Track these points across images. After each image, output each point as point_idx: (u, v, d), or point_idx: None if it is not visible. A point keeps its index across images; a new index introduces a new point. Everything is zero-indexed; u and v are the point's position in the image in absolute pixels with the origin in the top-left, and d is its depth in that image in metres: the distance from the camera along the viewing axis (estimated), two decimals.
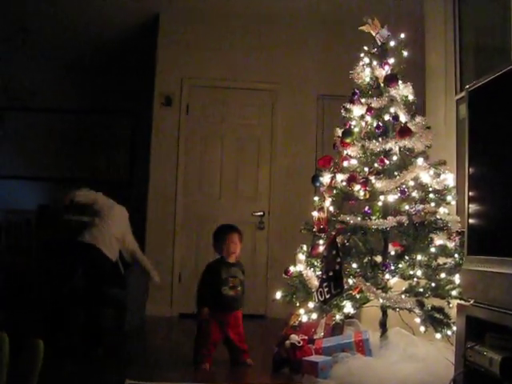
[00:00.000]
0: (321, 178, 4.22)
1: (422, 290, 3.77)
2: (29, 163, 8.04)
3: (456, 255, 3.85)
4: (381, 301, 3.79)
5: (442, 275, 3.81)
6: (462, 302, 2.98)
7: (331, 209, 4.11)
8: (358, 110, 4.22)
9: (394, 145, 4.01)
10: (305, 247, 4.24)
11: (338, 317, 3.91)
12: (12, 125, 8.13)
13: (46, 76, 8.11)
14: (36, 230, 6.79)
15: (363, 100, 4.22)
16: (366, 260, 3.96)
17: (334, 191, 4.12)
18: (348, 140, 4.13)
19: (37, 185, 7.94)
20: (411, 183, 3.96)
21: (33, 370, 2.39)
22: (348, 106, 4.28)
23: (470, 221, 2.95)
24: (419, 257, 3.83)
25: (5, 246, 6.55)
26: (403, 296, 3.75)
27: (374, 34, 4.32)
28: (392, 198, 3.93)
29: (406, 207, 3.90)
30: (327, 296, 3.65)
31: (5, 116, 8.16)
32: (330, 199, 4.13)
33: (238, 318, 4.21)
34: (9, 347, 2.36)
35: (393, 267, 3.83)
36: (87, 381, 3.56)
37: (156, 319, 6.01)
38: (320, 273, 3.89)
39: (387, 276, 3.82)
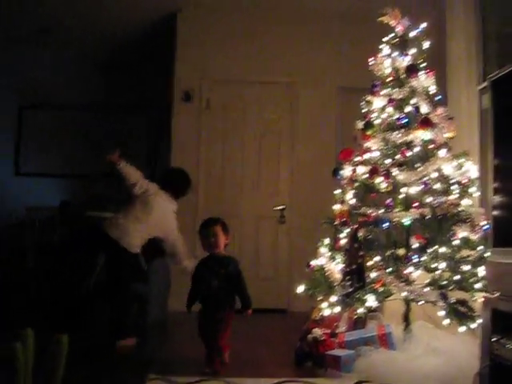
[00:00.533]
0: (342, 171, 4.19)
1: (445, 282, 3.73)
2: (50, 160, 8.11)
3: (479, 248, 3.80)
4: (404, 294, 3.76)
5: (466, 268, 3.76)
6: (488, 294, 2.94)
7: (353, 202, 4.08)
8: (378, 102, 4.19)
9: (415, 136, 3.97)
10: (326, 241, 4.22)
11: (361, 310, 3.88)
12: (32, 122, 8.20)
13: (65, 73, 8.17)
14: (59, 226, 6.83)
15: (384, 92, 4.18)
16: (388, 253, 3.92)
17: (356, 184, 4.09)
18: (369, 132, 4.10)
19: (59, 182, 8.01)
20: (433, 175, 3.92)
21: (57, 365, 2.41)
22: (368, 97, 4.25)
23: (495, 213, 2.91)
24: (442, 249, 3.78)
25: (29, 243, 6.61)
26: (426, 289, 3.71)
27: (394, 25, 4.28)
28: (414, 190, 3.89)
29: (429, 199, 3.86)
30: (350, 289, 3.64)
31: (25, 114, 8.23)
32: (352, 192, 4.10)
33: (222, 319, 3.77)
34: (34, 343, 2.38)
35: (416, 260, 3.79)
36: (110, 375, 3.58)
37: (179, 314, 6.02)
38: (342, 266, 3.87)
39: (410, 269, 3.79)
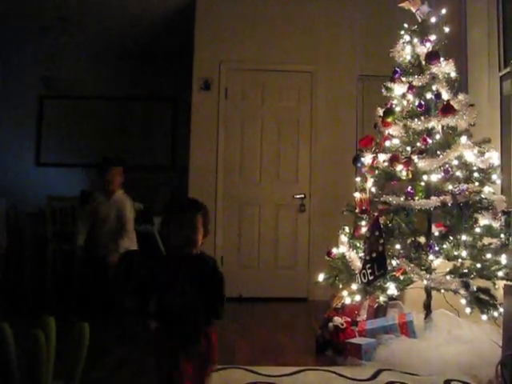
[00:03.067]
0: (362, 159, 4.17)
1: (466, 270, 3.71)
2: (71, 150, 8.17)
3: (502, 235, 3.77)
4: (425, 282, 3.75)
5: (488, 256, 3.74)
6: (510, 282, 2.92)
7: (373, 189, 4.07)
8: (399, 89, 4.16)
9: (436, 123, 3.94)
10: (347, 229, 4.22)
11: (382, 298, 3.88)
12: (54, 113, 8.27)
13: (85, 64, 8.22)
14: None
15: (404, 78, 4.15)
16: (409, 241, 3.91)
17: (376, 171, 4.07)
18: (389, 119, 4.07)
19: (79, 171, 8.07)
20: (455, 162, 3.89)
21: (79, 353, 2.43)
22: (389, 84, 4.22)
23: None
24: (464, 237, 3.76)
25: (50, 233, 6.66)
26: (448, 277, 3.70)
27: (414, 11, 4.24)
28: (435, 177, 3.87)
29: (450, 187, 3.84)
30: (370, 277, 3.63)
31: (46, 104, 8.29)
32: (372, 180, 4.09)
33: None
34: (55, 330, 2.40)
35: (437, 248, 3.77)
36: (134, 364, 3.60)
37: None
38: (363, 254, 3.86)
39: (431, 257, 3.77)
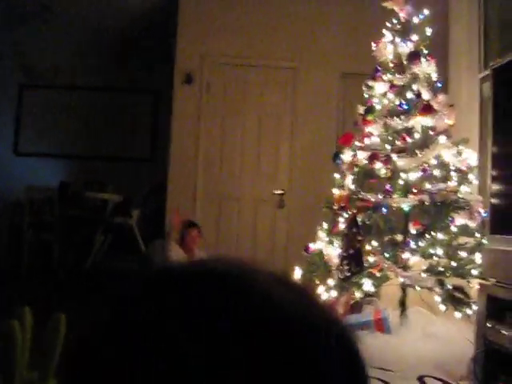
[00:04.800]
0: (342, 156, 4.19)
1: (442, 269, 3.76)
2: (50, 141, 8.11)
3: (477, 235, 3.82)
4: (401, 279, 3.78)
5: (463, 254, 3.79)
6: (483, 281, 2.97)
7: (352, 187, 4.09)
8: (380, 87, 4.19)
9: (416, 123, 3.97)
10: (325, 225, 4.24)
11: (358, 295, 3.91)
12: (33, 102, 8.19)
13: (66, 53, 8.15)
14: (58, 206, 6.85)
15: (386, 77, 4.18)
16: (386, 238, 3.94)
17: (355, 169, 4.10)
18: (370, 117, 4.10)
19: (58, 162, 8.02)
20: (433, 161, 3.93)
21: (55, 344, 2.42)
22: (370, 83, 4.24)
23: (493, 200, 2.93)
24: (440, 236, 3.81)
25: (28, 223, 6.63)
26: (423, 275, 3.74)
27: (397, 10, 4.27)
28: (413, 176, 3.91)
29: (428, 186, 3.88)
30: (347, 274, 3.66)
31: (25, 93, 8.22)
32: (351, 177, 4.11)
33: None
34: (31, 321, 2.39)
35: (413, 246, 3.81)
36: None
37: None
38: (340, 250, 3.89)
39: (407, 255, 3.81)
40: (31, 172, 7.68)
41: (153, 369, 0.47)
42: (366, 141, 4.12)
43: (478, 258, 3.72)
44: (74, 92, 8.21)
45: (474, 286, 3.56)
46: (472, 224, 3.85)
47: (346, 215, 4.03)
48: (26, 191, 6.64)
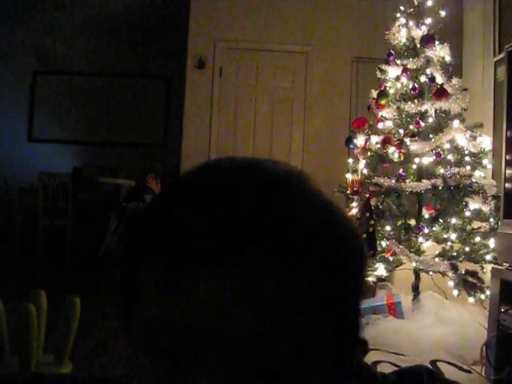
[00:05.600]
0: (355, 140, 4.18)
1: (455, 253, 3.75)
2: (63, 127, 8.14)
3: (491, 219, 3.80)
4: (414, 264, 3.78)
5: (477, 239, 3.78)
6: (497, 266, 2.96)
7: (365, 171, 4.09)
8: (393, 72, 4.16)
9: (429, 107, 3.95)
10: None
11: (371, 279, 3.91)
12: (46, 88, 8.21)
13: (79, 40, 8.16)
14: (72, 192, 6.90)
15: (399, 61, 4.15)
16: (399, 223, 3.94)
17: (369, 153, 4.09)
18: (383, 101, 4.08)
19: (71, 148, 8.05)
20: (447, 146, 3.91)
21: (70, 327, 2.45)
22: (383, 67, 4.22)
23: (507, 185, 2.91)
24: (453, 220, 3.79)
25: (42, 209, 6.67)
26: (436, 259, 3.73)
27: None
28: (427, 160, 3.89)
29: (441, 170, 3.86)
30: None
31: (39, 80, 8.24)
32: (364, 161, 4.10)
33: None
34: (47, 304, 2.42)
35: (426, 230, 3.80)
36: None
37: None
38: None
39: (421, 239, 3.80)
40: (45, 158, 7.73)
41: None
42: (380, 125, 4.10)
43: (491, 242, 3.70)
44: (86, 78, 8.22)
45: (487, 271, 3.55)
46: (485, 209, 3.83)
47: (359, 200, 4.03)
48: (39, 177, 6.67)
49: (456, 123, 3.90)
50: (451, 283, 3.67)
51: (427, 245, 3.84)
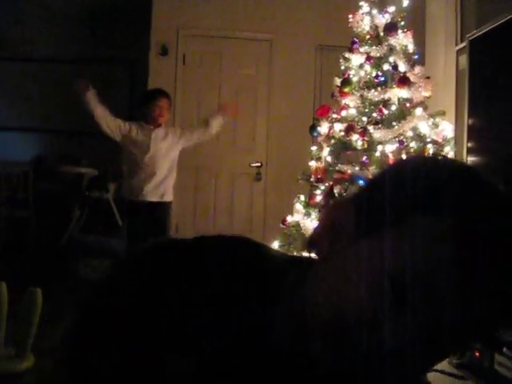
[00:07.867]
0: (318, 128, 4.19)
1: None
2: (23, 114, 7.97)
3: None
4: None
5: None
6: None
7: (329, 159, 4.10)
8: (357, 59, 4.17)
9: (392, 95, 3.97)
10: (302, 197, 4.25)
11: None
12: (5, 75, 8.03)
13: (39, 25, 7.99)
14: (33, 181, 6.79)
15: (362, 49, 4.16)
16: None
17: (332, 141, 4.10)
18: (346, 89, 4.09)
19: (31, 136, 7.90)
20: (409, 133, 3.94)
21: (31, 317, 2.41)
22: (347, 54, 4.23)
23: None
24: None
25: (3, 198, 6.56)
26: None
27: None
28: (390, 148, 3.91)
29: (404, 157, 3.89)
30: None
31: None
32: (328, 149, 4.12)
33: None
34: (8, 296, 2.38)
35: None
36: None
37: None
38: (317, 223, 3.89)
39: None
40: (4, 146, 7.56)
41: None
42: (343, 113, 4.11)
43: None
44: (47, 64, 8.05)
45: None
46: None
47: (322, 187, 4.04)
48: None
49: (419, 111, 3.93)
50: None
51: None
